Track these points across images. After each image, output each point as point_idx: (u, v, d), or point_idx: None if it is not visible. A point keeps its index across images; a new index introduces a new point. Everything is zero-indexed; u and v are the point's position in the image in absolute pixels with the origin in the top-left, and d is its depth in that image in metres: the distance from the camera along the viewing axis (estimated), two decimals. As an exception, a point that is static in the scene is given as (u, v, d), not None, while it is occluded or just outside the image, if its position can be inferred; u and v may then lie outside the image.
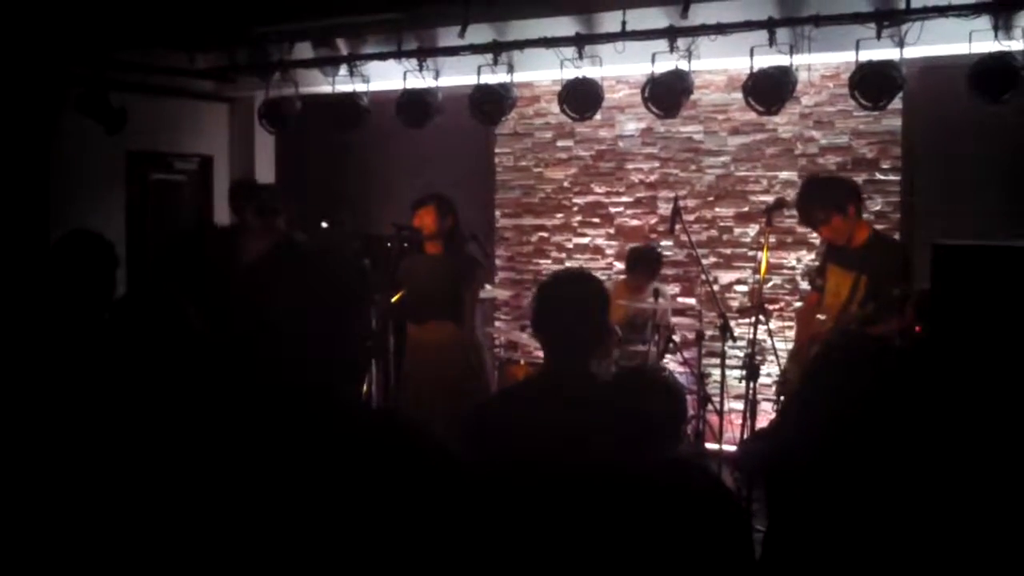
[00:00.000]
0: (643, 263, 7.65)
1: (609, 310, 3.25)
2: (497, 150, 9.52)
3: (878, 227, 7.78)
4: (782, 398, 6.12)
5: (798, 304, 7.90)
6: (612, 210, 9.08)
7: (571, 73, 7.27)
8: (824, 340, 5.41)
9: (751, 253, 8.33)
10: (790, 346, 6.36)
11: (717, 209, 8.60)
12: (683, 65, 6.91)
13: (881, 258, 5.56)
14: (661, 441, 2.94)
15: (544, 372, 3.25)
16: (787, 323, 7.65)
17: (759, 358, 6.29)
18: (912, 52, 6.45)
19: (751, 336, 6.26)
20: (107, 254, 3.82)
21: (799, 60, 6.68)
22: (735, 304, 8.39)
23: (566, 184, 9.27)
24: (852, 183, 6.02)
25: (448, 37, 7.75)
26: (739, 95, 7.00)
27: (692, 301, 8.47)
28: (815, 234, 6.02)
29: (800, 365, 5.70)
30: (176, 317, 2.76)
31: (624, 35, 7.04)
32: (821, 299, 5.88)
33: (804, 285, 7.84)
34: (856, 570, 2.49)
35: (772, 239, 5.96)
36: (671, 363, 7.57)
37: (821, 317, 5.93)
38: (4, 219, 7.86)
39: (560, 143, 9.26)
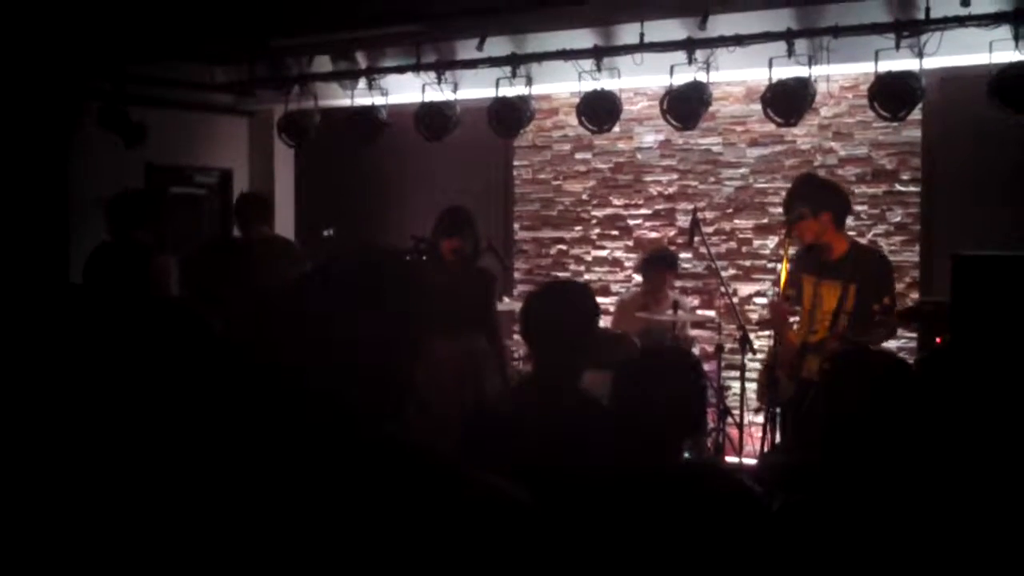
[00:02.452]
0: (657, 265, 7.52)
1: (597, 322, 3.31)
2: (516, 162, 9.51)
3: (898, 239, 7.82)
4: (778, 409, 6.04)
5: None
6: (631, 222, 9.06)
7: (589, 85, 7.28)
8: (832, 354, 5.42)
9: (770, 265, 8.30)
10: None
11: (736, 221, 8.57)
12: (701, 77, 6.90)
13: (868, 268, 5.58)
14: (671, 436, 2.94)
15: (530, 379, 3.32)
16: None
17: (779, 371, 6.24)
18: (932, 63, 6.41)
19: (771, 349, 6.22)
20: (144, 261, 3.91)
21: (818, 71, 6.67)
22: (754, 316, 8.35)
23: (584, 196, 9.26)
24: (841, 194, 5.88)
25: (466, 50, 7.76)
26: (758, 106, 6.99)
27: (711, 314, 8.44)
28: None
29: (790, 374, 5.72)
30: (199, 327, 2.74)
31: (642, 47, 7.04)
32: (797, 310, 5.89)
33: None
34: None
35: (791, 251, 5.92)
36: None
37: (794, 326, 5.93)
38: (25, 232, 7.91)
39: (578, 155, 9.25)
